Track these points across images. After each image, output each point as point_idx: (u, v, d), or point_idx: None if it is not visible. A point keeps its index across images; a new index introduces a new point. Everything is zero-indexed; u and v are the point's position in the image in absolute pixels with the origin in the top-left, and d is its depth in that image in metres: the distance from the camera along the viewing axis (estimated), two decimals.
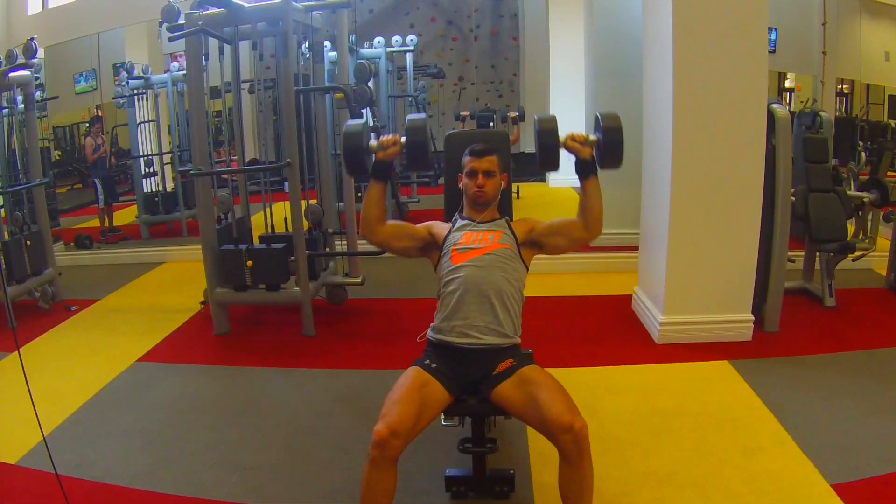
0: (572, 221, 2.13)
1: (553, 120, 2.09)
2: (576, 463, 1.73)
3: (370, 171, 2.10)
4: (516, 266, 2.11)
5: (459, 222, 2.20)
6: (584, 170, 2.06)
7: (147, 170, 6.37)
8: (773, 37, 5.87)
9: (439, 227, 2.21)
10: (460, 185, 2.22)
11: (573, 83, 7.26)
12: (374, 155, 2.10)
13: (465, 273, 2.04)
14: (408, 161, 2.17)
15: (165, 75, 6.24)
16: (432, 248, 2.18)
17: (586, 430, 1.71)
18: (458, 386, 1.97)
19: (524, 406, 1.85)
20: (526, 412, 1.85)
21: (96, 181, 6.20)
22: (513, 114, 7.01)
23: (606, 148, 2.01)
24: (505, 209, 2.31)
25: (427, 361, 1.99)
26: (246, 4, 3.59)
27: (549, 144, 2.06)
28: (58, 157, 6.89)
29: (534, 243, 2.16)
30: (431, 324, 2.12)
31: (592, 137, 2.06)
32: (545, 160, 2.10)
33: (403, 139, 2.11)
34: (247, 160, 4.50)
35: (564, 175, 8.41)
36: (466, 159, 2.16)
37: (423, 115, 2.22)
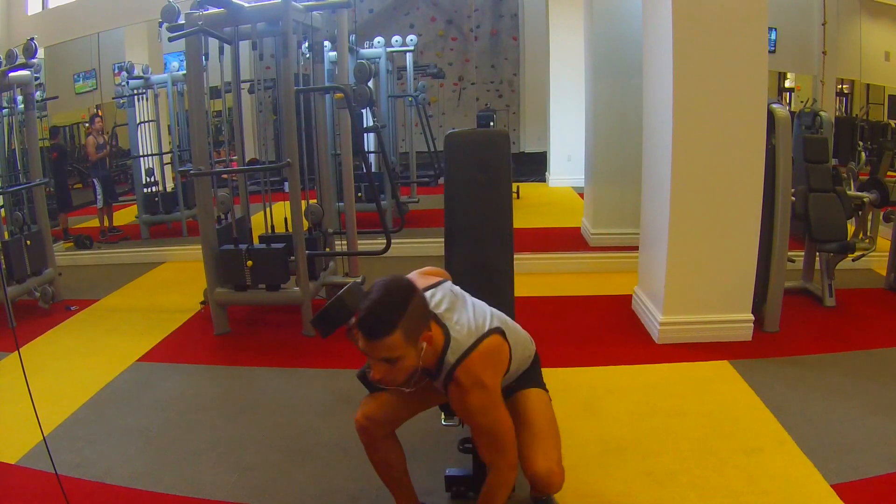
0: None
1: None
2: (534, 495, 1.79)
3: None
4: None
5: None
6: None
7: (148, 179, 6.38)
8: (773, 37, 5.88)
9: None
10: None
11: (573, 83, 7.28)
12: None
13: None
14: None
15: (165, 75, 6.24)
16: None
17: (560, 480, 1.70)
18: None
19: (516, 431, 1.70)
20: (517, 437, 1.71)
21: (95, 181, 6.20)
22: None
23: None
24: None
25: None
26: (246, 4, 3.59)
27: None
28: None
29: None
30: None
31: None
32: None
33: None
34: (247, 160, 4.50)
35: (564, 175, 8.47)
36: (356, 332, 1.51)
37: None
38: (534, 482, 1.72)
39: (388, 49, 6.42)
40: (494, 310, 1.76)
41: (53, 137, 6.44)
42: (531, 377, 1.88)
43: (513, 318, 1.91)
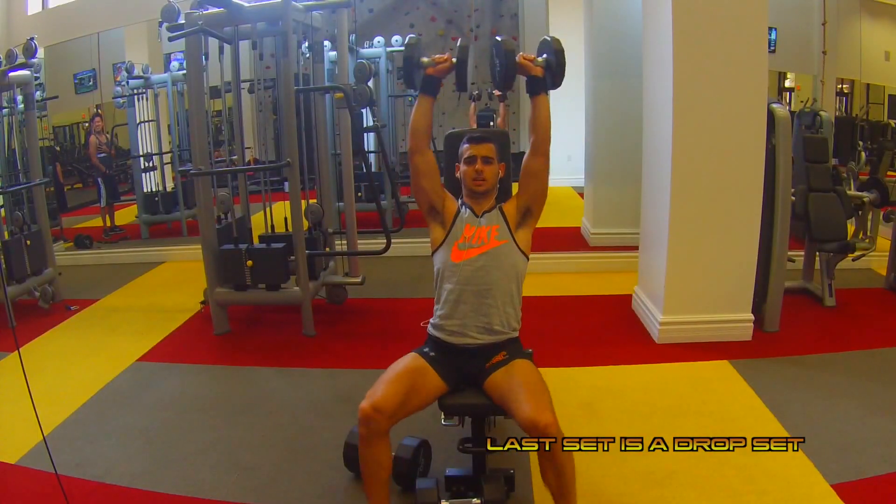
0: (527, 157, 2.15)
1: (512, 43, 2.13)
2: (546, 455, 1.80)
3: (420, 85, 2.14)
4: (514, 260, 2.11)
5: (463, 209, 2.20)
6: (535, 88, 2.09)
7: (147, 164, 6.36)
8: (773, 37, 5.87)
9: (451, 202, 2.21)
10: (457, 175, 2.22)
11: (573, 83, 7.25)
12: (424, 70, 2.12)
13: (461, 273, 2.07)
14: (456, 79, 2.16)
15: (165, 75, 6.24)
16: (437, 217, 2.19)
17: (553, 427, 1.76)
18: (455, 376, 2.03)
19: (503, 401, 1.92)
20: (505, 406, 1.92)
21: (99, 180, 6.20)
22: (497, 92, 6.75)
23: (557, 69, 2.06)
24: (503, 199, 2.30)
25: (426, 350, 2.06)
26: (246, 4, 3.59)
27: (507, 64, 2.08)
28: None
29: (523, 213, 2.15)
30: (432, 318, 2.15)
31: (540, 59, 2.09)
32: (504, 78, 2.11)
33: (455, 59, 2.12)
34: (247, 160, 4.49)
35: (564, 175, 8.47)
36: (465, 146, 2.18)
37: (468, 41, 2.22)
38: (526, 427, 1.78)
39: (388, 49, 6.41)
40: None
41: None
42: (518, 353, 2.06)
43: None
